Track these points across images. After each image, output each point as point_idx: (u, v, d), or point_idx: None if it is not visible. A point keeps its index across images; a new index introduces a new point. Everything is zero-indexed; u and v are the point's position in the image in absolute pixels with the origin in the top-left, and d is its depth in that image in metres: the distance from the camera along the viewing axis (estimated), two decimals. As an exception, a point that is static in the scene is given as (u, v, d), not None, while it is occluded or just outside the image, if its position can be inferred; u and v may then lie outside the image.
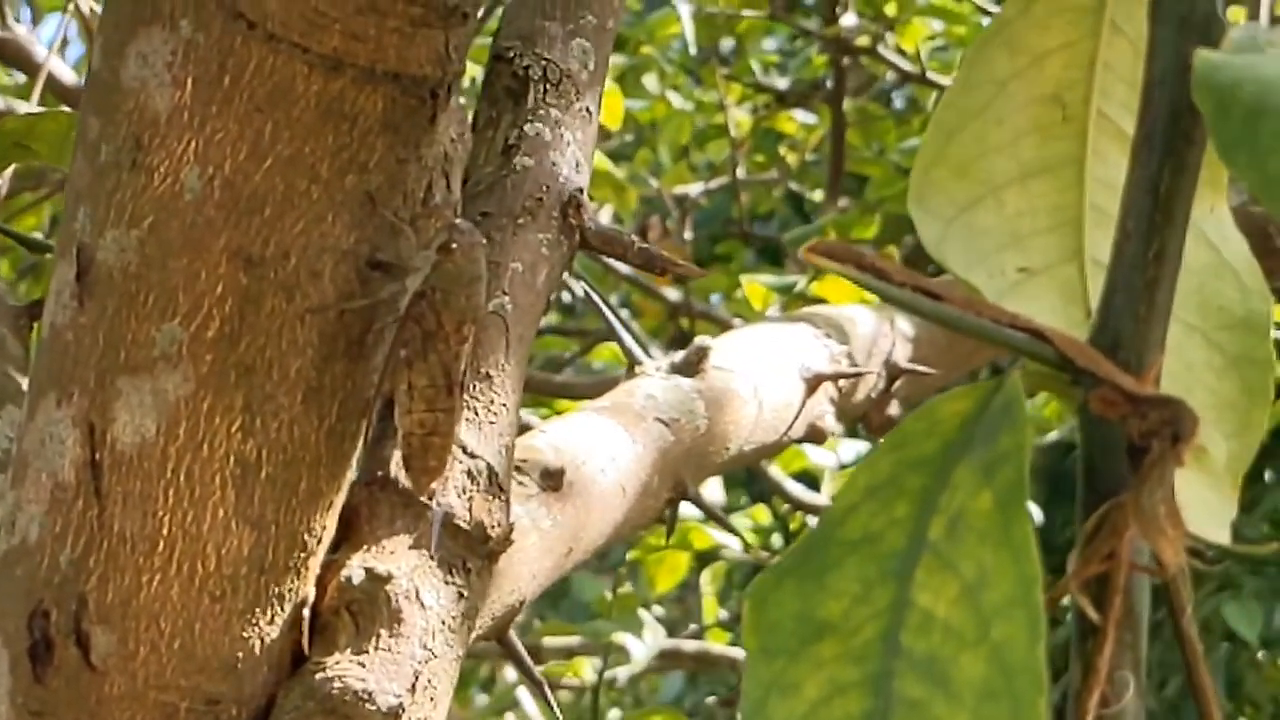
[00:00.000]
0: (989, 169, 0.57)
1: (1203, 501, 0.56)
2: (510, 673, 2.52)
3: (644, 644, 1.98)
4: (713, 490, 2.28)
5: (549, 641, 2.17)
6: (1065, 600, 0.49)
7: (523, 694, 2.33)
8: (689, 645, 2.30)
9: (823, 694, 0.46)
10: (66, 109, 0.91)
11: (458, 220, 0.72)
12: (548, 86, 0.87)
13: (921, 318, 0.51)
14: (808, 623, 0.48)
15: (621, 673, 2.13)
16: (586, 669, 2.15)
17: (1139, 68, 0.52)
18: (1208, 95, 0.45)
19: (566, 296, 2.68)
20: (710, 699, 2.69)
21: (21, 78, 2.03)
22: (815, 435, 1.17)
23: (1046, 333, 0.49)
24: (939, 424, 0.49)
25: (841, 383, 1.18)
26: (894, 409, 1.24)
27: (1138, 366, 0.50)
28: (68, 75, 1.79)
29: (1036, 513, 2.22)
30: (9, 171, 1.61)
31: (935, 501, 0.47)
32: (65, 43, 1.90)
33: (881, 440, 0.51)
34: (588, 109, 0.87)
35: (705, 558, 2.26)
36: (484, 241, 0.73)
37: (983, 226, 0.57)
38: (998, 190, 0.57)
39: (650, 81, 2.54)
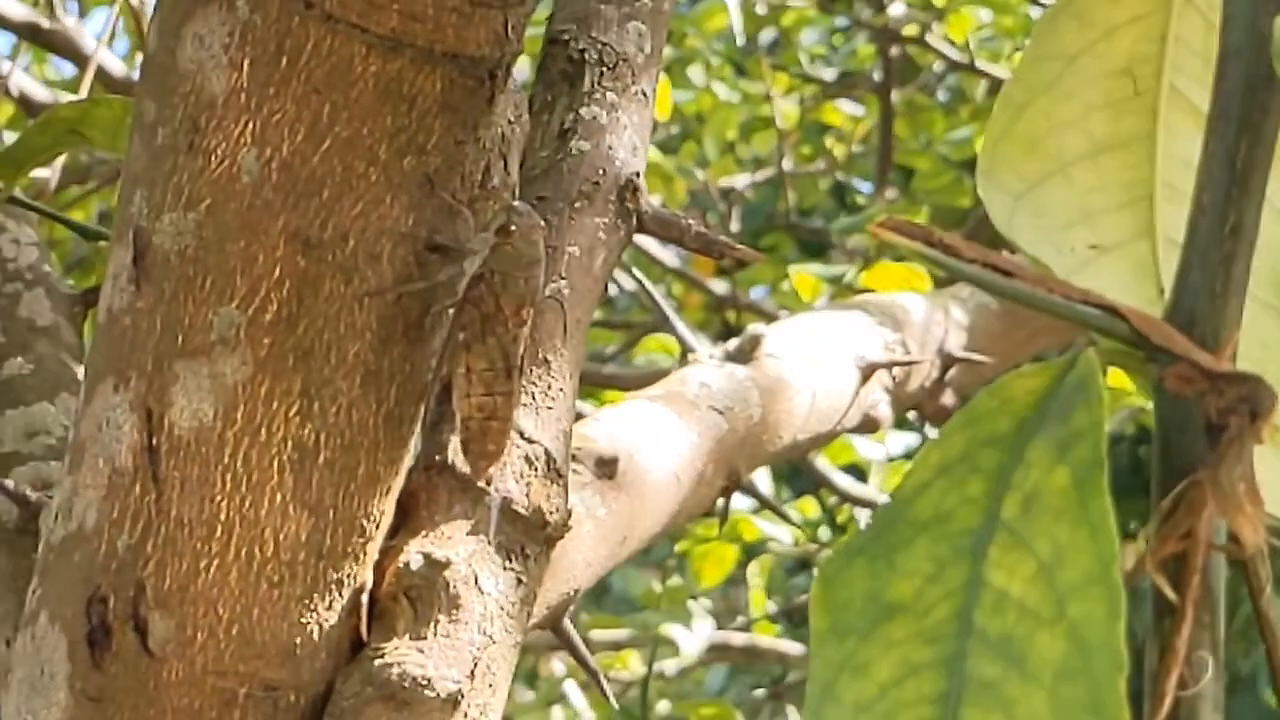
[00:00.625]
0: (1059, 144, 0.56)
1: (1278, 480, 0.55)
2: (557, 666, 2.52)
3: (694, 636, 1.98)
4: (761, 484, 2.27)
5: (596, 635, 2.17)
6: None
7: (570, 687, 2.33)
8: (737, 638, 2.30)
9: (894, 675, 0.46)
10: (121, 97, 0.91)
11: (516, 203, 0.72)
12: (604, 70, 0.86)
13: (993, 294, 0.50)
14: (878, 603, 0.47)
15: (670, 665, 2.13)
16: (635, 662, 2.15)
17: (1211, 41, 0.51)
18: (1289, 64, 0.45)
19: (611, 289, 2.68)
20: (758, 691, 2.68)
21: (69, 71, 2.04)
22: (869, 424, 1.16)
23: (1121, 309, 0.48)
24: (1012, 401, 0.49)
25: (895, 371, 1.17)
26: (948, 398, 1.23)
27: (1214, 343, 0.49)
28: (117, 67, 1.79)
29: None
30: (59, 164, 1.61)
31: (1009, 479, 0.47)
32: (114, 35, 1.90)
33: (952, 418, 0.50)
34: (644, 92, 0.87)
35: (752, 550, 2.26)
36: (543, 224, 0.72)
37: (1052, 203, 0.56)
38: (1067, 166, 0.56)
39: (696, 74, 2.54)
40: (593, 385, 1.95)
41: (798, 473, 2.50)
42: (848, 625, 0.47)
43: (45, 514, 0.74)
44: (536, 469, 0.77)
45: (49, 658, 0.71)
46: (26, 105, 1.77)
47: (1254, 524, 0.47)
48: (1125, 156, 0.56)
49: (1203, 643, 0.48)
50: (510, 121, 0.71)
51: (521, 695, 2.59)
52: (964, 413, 0.49)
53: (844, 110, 2.63)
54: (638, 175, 0.84)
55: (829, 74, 2.67)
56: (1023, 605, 0.45)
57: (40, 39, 1.73)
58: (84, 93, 1.51)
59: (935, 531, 0.47)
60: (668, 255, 2.46)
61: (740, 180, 2.73)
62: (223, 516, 0.70)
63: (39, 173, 1.53)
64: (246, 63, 0.68)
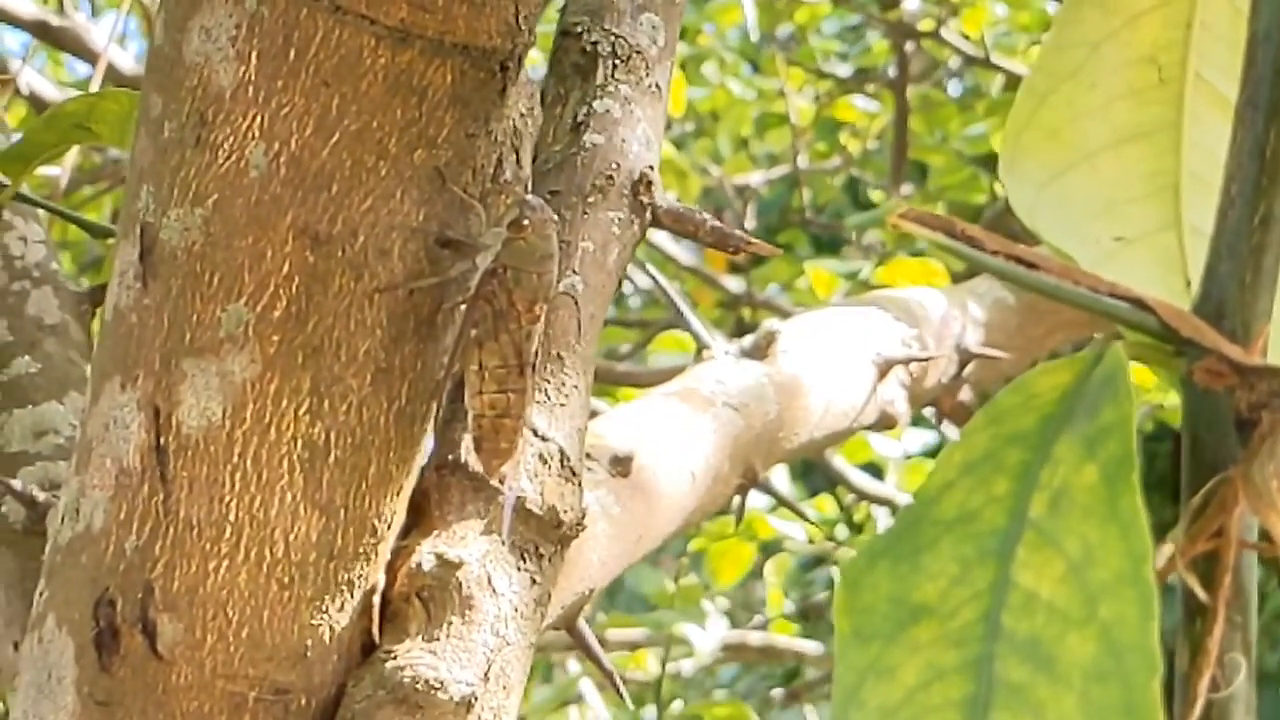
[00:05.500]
0: (1082, 134, 0.55)
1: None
2: (573, 665, 2.51)
3: (708, 635, 1.96)
4: (779, 482, 2.26)
5: (612, 634, 2.16)
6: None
7: (586, 686, 2.32)
8: (754, 637, 2.29)
9: (920, 678, 0.45)
10: (128, 90, 0.90)
11: (528, 196, 0.71)
12: (617, 63, 0.85)
13: (1018, 287, 0.49)
14: (903, 605, 0.46)
15: (687, 664, 2.12)
16: (651, 662, 2.14)
17: (1238, 27, 0.50)
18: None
19: (625, 287, 2.67)
20: (775, 691, 2.67)
21: (84, 72, 2.03)
22: (886, 421, 1.15)
23: (1149, 301, 0.47)
24: (1037, 397, 0.47)
25: (912, 367, 1.16)
26: (965, 394, 1.22)
27: (1244, 336, 0.48)
28: (128, 64, 1.78)
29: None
30: (70, 163, 1.60)
31: (1036, 477, 0.46)
32: (124, 38, 1.89)
33: (974, 417, 0.49)
34: (657, 85, 0.85)
35: (768, 548, 2.25)
36: (555, 219, 0.71)
37: (1076, 193, 0.55)
38: (1091, 156, 0.55)
39: (710, 70, 2.53)
40: (607, 382, 1.94)
41: (812, 472, 2.49)
42: (872, 629, 0.46)
43: (52, 515, 0.73)
44: (550, 467, 0.76)
45: (56, 661, 0.70)
46: (38, 105, 1.76)
47: (1288, 521, 0.46)
48: (1149, 146, 0.55)
49: (1235, 644, 0.46)
50: (522, 114, 0.70)
51: (540, 693, 2.58)
52: (987, 410, 0.48)
53: (859, 106, 2.62)
54: (651, 169, 0.83)
55: (843, 70, 2.66)
56: (1052, 606, 0.44)
57: (50, 36, 1.72)
58: (95, 89, 1.50)
59: (960, 532, 0.46)
60: (681, 252, 2.45)
61: (755, 177, 2.71)
62: (232, 517, 0.68)
63: (50, 171, 1.52)
64: (254, 55, 0.66)
